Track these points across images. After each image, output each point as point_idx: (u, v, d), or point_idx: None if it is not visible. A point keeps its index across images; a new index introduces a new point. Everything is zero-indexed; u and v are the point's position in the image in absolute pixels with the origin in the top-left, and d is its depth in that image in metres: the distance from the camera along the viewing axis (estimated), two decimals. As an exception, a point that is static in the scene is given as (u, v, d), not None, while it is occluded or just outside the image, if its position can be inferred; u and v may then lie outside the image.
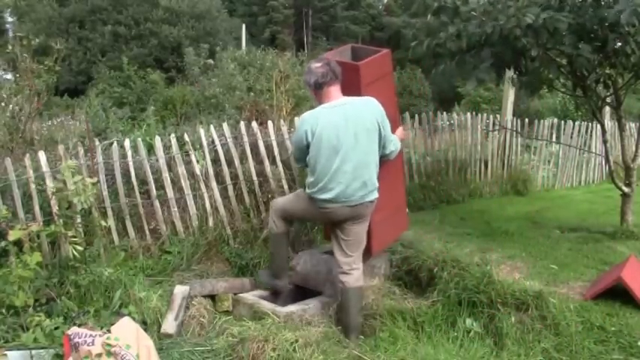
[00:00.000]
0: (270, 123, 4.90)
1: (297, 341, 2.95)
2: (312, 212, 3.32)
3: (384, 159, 3.31)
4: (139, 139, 4.46)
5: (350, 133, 3.10)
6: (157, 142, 4.33)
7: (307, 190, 3.26)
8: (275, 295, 3.75)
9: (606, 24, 3.70)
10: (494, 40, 3.72)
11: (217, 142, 4.59)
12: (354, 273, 3.30)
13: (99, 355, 2.50)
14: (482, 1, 3.70)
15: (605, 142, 5.09)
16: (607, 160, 5.12)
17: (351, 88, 3.27)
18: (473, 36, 3.76)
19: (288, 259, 3.74)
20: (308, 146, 3.17)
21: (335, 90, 3.21)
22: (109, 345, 2.53)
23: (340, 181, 3.11)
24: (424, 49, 4.08)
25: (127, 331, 2.70)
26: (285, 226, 3.52)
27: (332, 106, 3.18)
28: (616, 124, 5.83)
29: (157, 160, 4.33)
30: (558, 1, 3.79)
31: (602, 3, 3.79)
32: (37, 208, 3.75)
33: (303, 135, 3.17)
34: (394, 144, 3.35)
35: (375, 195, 3.25)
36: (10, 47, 6.16)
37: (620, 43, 3.96)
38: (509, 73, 4.89)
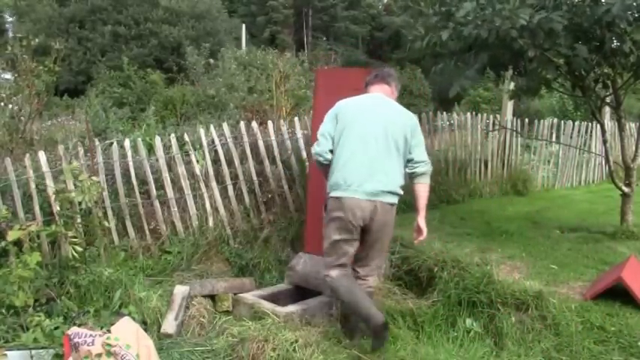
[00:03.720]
0: (270, 123, 4.90)
1: (297, 341, 2.95)
2: (335, 219, 3.04)
3: (414, 177, 3.18)
4: (139, 139, 4.46)
5: (378, 122, 3.08)
6: (157, 142, 4.33)
7: (329, 176, 3.11)
8: (275, 298, 3.74)
9: (603, 23, 3.68)
10: (490, 42, 3.72)
11: (217, 142, 4.59)
12: (369, 280, 3.21)
13: (99, 355, 2.51)
14: (474, 5, 3.66)
15: (604, 142, 5.08)
16: (607, 160, 5.11)
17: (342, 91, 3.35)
18: (468, 38, 3.76)
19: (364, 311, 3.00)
20: (335, 125, 3.11)
21: (376, 88, 3.30)
22: (109, 345, 2.53)
23: (358, 165, 3.00)
24: (423, 45, 4.06)
25: (127, 331, 2.70)
26: (337, 270, 3.08)
27: (369, 96, 3.27)
28: (616, 124, 5.82)
29: (157, 160, 4.33)
30: (553, 0, 3.76)
31: (601, 2, 3.77)
32: (37, 208, 3.75)
33: (334, 112, 3.15)
34: (425, 164, 3.20)
35: (394, 199, 3.07)
36: (9, 47, 6.16)
37: (617, 43, 3.95)
38: (510, 73, 4.88)
